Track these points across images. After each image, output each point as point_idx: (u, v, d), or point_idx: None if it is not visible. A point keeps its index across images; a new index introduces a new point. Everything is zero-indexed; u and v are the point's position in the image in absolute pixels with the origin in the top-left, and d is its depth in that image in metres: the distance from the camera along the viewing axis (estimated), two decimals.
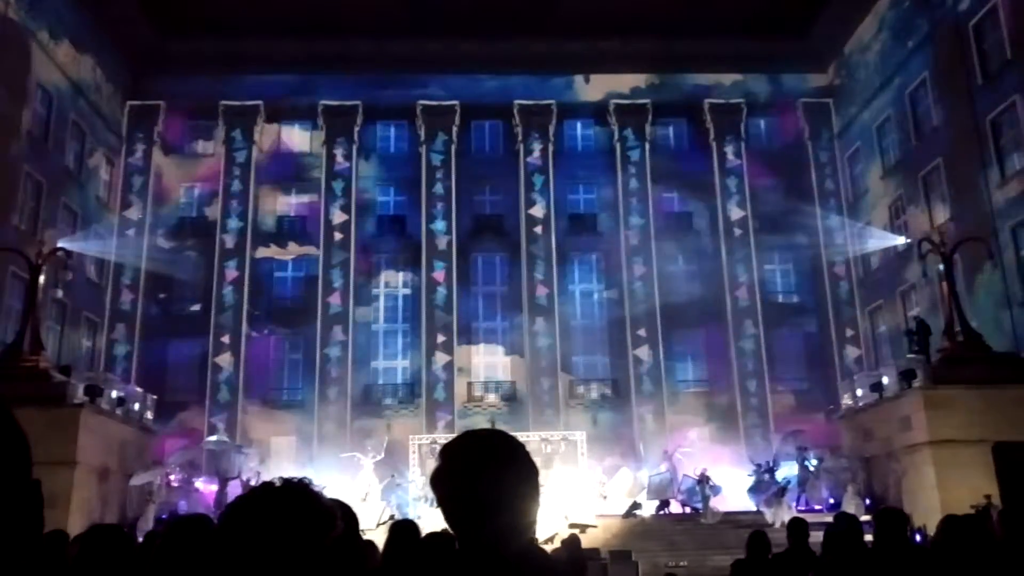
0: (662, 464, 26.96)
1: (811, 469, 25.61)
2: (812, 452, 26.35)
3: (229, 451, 26.95)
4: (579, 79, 34.37)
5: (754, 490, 25.69)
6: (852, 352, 32.69)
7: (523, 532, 1.81)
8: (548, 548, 12.15)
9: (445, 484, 1.85)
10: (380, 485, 25.58)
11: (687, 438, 29.49)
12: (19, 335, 22.66)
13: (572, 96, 34.39)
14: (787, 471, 25.92)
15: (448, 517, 1.84)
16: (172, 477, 25.52)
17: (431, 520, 17.95)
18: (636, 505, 24.97)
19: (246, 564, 1.59)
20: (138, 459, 25.12)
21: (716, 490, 25.29)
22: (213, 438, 28.41)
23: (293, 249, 33.66)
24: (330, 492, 19.88)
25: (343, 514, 3.03)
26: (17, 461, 1.11)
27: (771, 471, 25.65)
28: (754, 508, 25.07)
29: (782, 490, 24.43)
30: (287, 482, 1.73)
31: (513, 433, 1.98)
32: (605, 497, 25.77)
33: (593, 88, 34.50)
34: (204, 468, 26.85)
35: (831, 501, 24.28)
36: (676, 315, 32.60)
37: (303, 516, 1.66)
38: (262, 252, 33.33)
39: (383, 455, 26.60)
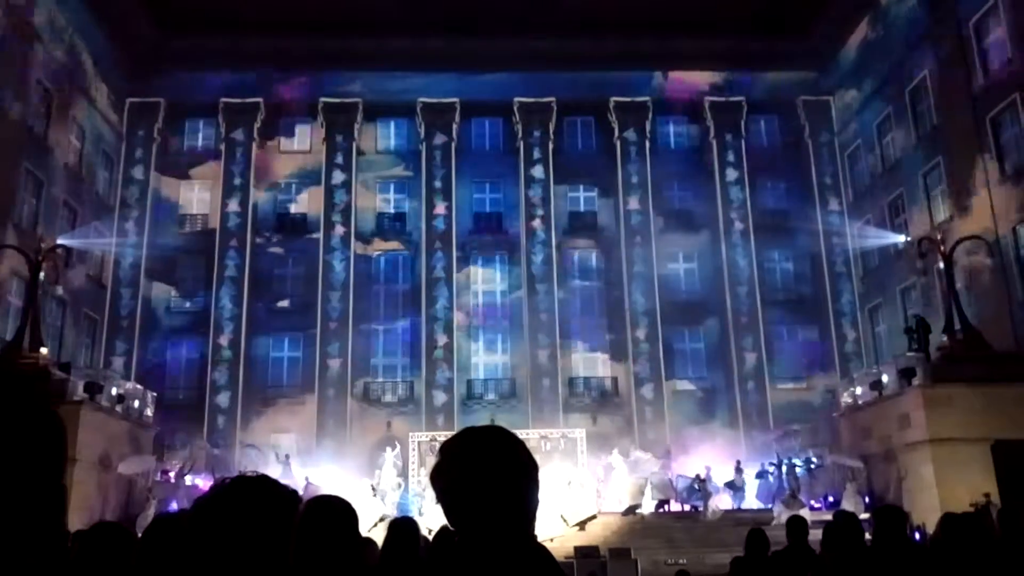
0: (658, 461, 27.00)
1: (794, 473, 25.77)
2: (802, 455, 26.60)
3: (232, 452, 26.99)
4: (581, 77, 34.20)
5: (731, 487, 25.90)
6: (852, 350, 32.71)
7: (523, 527, 1.81)
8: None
9: (445, 480, 1.85)
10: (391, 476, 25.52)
11: (681, 443, 29.58)
12: (19, 332, 22.67)
13: (572, 94, 34.29)
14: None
15: (448, 513, 1.85)
16: (171, 473, 25.52)
17: (431, 517, 17.97)
18: (636, 505, 25.00)
19: (216, 550, 1.64)
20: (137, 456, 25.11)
21: (716, 488, 25.39)
22: (216, 439, 28.53)
23: (294, 246, 33.65)
24: (331, 489, 19.88)
25: (341, 511, 3.04)
26: (50, 465, 1.13)
27: (776, 469, 25.78)
28: (751, 506, 25.25)
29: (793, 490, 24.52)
30: (243, 476, 1.82)
31: (512, 431, 1.98)
32: (600, 494, 25.80)
33: (592, 87, 34.41)
34: (205, 465, 26.87)
35: (831, 499, 24.35)
36: (676, 313, 32.64)
37: (263, 501, 1.73)
38: (262, 249, 33.32)
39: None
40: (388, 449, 26.70)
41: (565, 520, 22.80)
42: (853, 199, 33.98)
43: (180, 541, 1.91)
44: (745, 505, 25.52)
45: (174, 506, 22.56)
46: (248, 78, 33.47)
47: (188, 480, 25.16)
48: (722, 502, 25.24)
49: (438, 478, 1.87)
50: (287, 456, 26.91)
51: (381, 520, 21.67)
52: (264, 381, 32.15)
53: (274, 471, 24.32)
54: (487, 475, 1.80)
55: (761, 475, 26.40)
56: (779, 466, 26.02)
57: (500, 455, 1.85)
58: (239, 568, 1.64)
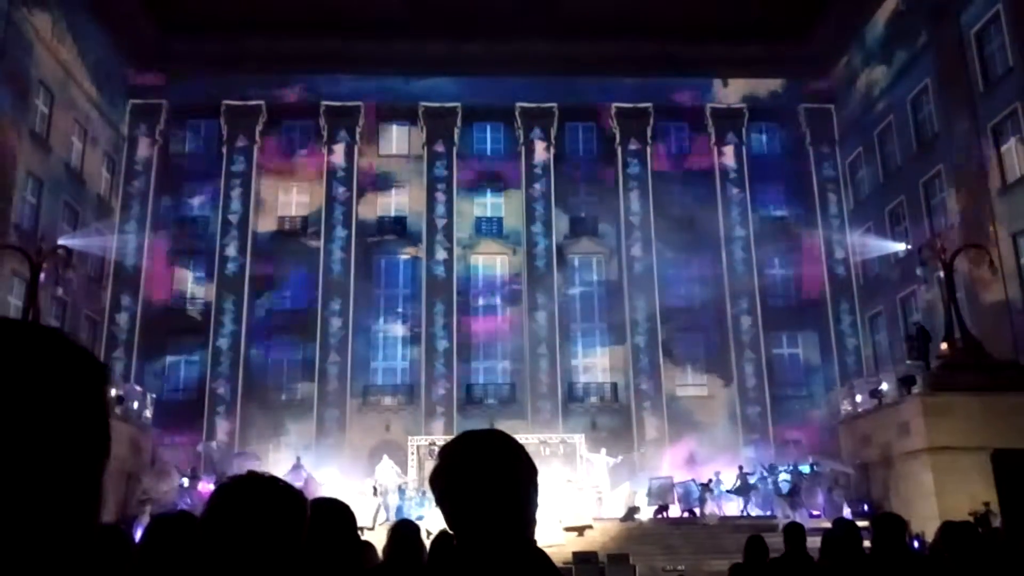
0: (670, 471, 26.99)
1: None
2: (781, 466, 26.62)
3: (230, 456, 26.96)
4: (582, 82, 34.17)
5: (737, 492, 25.91)
6: (852, 358, 32.69)
7: (522, 531, 1.81)
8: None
9: (444, 483, 1.85)
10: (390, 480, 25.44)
11: (681, 449, 29.54)
12: None
13: (573, 99, 34.31)
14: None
15: (447, 516, 1.84)
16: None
17: (429, 520, 17.94)
18: (635, 509, 24.97)
19: (231, 551, 1.63)
20: (136, 458, 25.11)
21: (720, 495, 25.44)
22: (214, 443, 28.52)
23: (294, 248, 33.63)
24: (331, 490, 19.86)
25: (340, 514, 3.03)
26: (89, 441, 0.87)
27: (773, 476, 25.76)
28: (748, 512, 25.25)
29: (792, 492, 24.50)
30: (257, 474, 1.78)
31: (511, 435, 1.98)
32: (600, 498, 25.77)
33: (594, 92, 34.41)
34: (203, 469, 26.87)
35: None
36: (676, 319, 32.62)
37: (281, 504, 1.71)
38: (263, 251, 33.29)
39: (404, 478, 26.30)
40: (385, 456, 26.55)
41: (560, 522, 22.72)
42: (854, 207, 33.99)
43: (187, 540, 1.90)
44: (753, 511, 25.43)
45: (181, 506, 22.54)
46: (250, 80, 33.48)
47: (187, 483, 25.09)
48: (727, 508, 25.24)
49: (438, 481, 1.87)
50: (299, 457, 26.93)
51: (380, 525, 21.62)
52: (264, 383, 32.09)
53: (274, 471, 24.23)
54: (487, 478, 1.80)
55: (761, 481, 26.34)
56: (777, 472, 25.98)
57: (500, 458, 1.85)
58: (253, 568, 1.63)
